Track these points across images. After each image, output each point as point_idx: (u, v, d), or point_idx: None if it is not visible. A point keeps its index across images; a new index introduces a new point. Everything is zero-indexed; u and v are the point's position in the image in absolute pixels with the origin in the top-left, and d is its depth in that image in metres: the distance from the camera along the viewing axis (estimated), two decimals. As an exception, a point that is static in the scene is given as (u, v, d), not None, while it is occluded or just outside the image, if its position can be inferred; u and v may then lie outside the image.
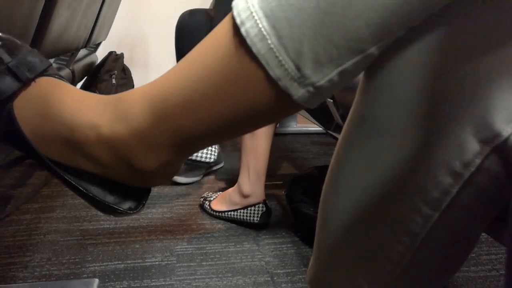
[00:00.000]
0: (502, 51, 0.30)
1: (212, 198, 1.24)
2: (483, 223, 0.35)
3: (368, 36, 0.29)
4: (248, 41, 0.29)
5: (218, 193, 1.26)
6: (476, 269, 1.00)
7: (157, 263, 0.98)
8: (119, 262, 0.97)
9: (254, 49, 0.29)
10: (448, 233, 0.35)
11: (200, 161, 1.02)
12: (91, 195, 0.38)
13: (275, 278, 0.94)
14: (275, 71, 0.29)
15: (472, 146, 0.31)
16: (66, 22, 0.81)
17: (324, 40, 0.28)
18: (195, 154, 0.96)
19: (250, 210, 1.15)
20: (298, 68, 0.29)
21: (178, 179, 1.41)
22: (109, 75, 1.83)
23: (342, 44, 0.29)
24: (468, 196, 0.33)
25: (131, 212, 0.40)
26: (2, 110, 0.36)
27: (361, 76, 0.36)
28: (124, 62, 1.99)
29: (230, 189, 1.21)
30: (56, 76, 0.38)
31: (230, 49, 0.30)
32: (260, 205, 1.14)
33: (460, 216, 0.34)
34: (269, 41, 0.28)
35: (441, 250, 0.37)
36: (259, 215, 1.14)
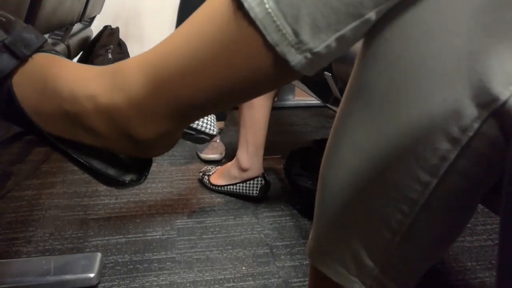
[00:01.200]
0: (499, 14, 0.30)
1: (211, 173, 1.25)
2: (481, 190, 0.36)
3: (366, 1, 0.28)
4: (246, 5, 0.29)
5: (217, 168, 1.27)
6: (472, 239, 1.02)
7: (158, 237, 0.99)
8: (121, 236, 0.99)
9: (251, 14, 0.29)
10: (447, 200, 0.36)
11: (204, 132, 1.02)
12: (94, 168, 0.39)
13: (274, 250, 0.96)
14: (272, 36, 0.29)
15: (470, 111, 0.31)
16: (59, -4, 0.80)
17: (322, 5, 0.28)
18: (202, 125, 0.97)
19: (249, 183, 1.16)
20: (296, 34, 0.29)
21: (202, 155, 1.46)
22: (105, 50, 1.80)
23: (340, 8, 0.28)
24: (466, 161, 0.33)
25: (134, 183, 0.40)
26: (2, 88, 0.36)
27: (359, 48, 0.36)
28: (120, 37, 1.96)
29: (229, 164, 1.22)
30: (53, 52, 0.38)
31: (227, 14, 0.30)
32: (259, 178, 1.16)
33: (458, 183, 0.34)
34: (267, 6, 0.28)
35: (440, 217, 0.37)
36: (258, 189, 1.15)
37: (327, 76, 0.92)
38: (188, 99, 0.34)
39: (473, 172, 0.33)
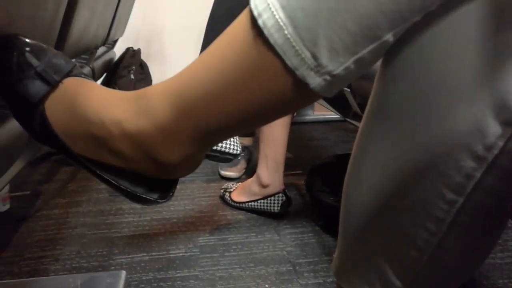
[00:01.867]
0: None
1: (232, 189, 1.26)
2: (510, 206, 0.35)
3: (382, 23, 0.29)
4: (265, 32, 0.29)
5: (238, 184, 1.27)
6: (503, 255, 0.98)
7: (180, 254, 1.00)
8: (144, 254, 1.00)
9: (271, 40, 0.29)
10: (475, 218, 0.35)
11: (228, 153, 1.03)
12: (121, 186, 0.40)
13: (297, 268, 0.95)
14: (292, 61, 0.30)
15: (494, 129, 0.31)
16: (86, 23, 0.83)
17: (339, 28, 0.29)
18: (221, 146, 0.98)
19: (270, 200, 1.16)
20: (315, 57, 0.29)
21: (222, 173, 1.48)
22: (127, 71, 1.85)
23: (357, 31, 0.29)
24: (492, 179, 0.32)
25: (160, 201, 0.41)
26: (35, 112, 0.38)
27: (378, 65, 0.36)
28: (141, 57, 2.01)
29: (249, 180, 1.22)
30: (82, 75, 0.40)
31: (248, 40, 0.31)
32: (280, 194, 1.15)
33: (485, 200, 0.34)
34: (286, 32, 0.29)
35: (468, 236, 0.37)
36: (279, 205, 1.15)
37: (346, 92, 0.92)
38: (211, 123, 0.35)
39: (501, 189, 0.33)
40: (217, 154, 0.97)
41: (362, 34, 0.29)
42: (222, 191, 1.28)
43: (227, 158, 0.99)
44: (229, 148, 0.97)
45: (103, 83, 1.86)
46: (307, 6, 0.28)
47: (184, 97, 0.34)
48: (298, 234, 1.09)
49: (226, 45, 0.33)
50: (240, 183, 1.27)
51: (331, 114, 2.03)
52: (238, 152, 0.99)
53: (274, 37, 0.29)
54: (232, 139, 1.00)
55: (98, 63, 1.41)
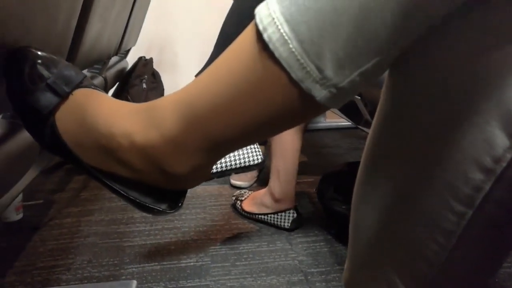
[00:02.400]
0: None
1: (243, 198, 1.25)
2: None
3: (386, 37, 0.29)
4: (271, 46, 0.30)
5: (250, 192, 1.27)
6: (519, 265, 0.96)
7: (192, 263, 1.00)
8: (155, 263, 1.00)
9: (276, 54, 0.30)
10: (485, 230, 0.35)
11: (250, 166, 1.03)
12: (130, 197, 0.40)
13: (309, 277, 0.94)
14: (297, 74, 0.30)
15: (501, 141, 0.30)
16: (98, 33, 0.84)
17: (343, 42, 0.29)
18: (243, 161, 0.99)
19: (281, 215, 1.15)
20: (320, 70, 0.29)
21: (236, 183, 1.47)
22: (140, 80, 1.87)
23: (361, 45, 0.29)
24: (502, 191, 0.32)
25: (169, 211, 0.41)
26: (46, 123, 0.38)
27: (386, 75, 0.36)
28: (154, 67, 2.03)
29: (262, 191, 1.21)
30: (92, 86, 0.40)
31: (254, 54, 0.31)
32: (291, 211, 1.15)
33: (495, 212, 0.33)
34: (291, 45, 0.29)
35: (479, 248, 0.36)
36: (290, 221, 1.14)
37: (356, 100, 0.91)
38: (220, 135, 0.35)
39: (510, 201, 0.32)
40: (241, 171, 0.98)
41: (367, 48, 0.29)
42: (233, 198, 1.28)
43: (250, 168, 0.99)
44: (251, 160, 0.97)
45: (116, 92, 1.88)
46: (311, 20, 0.29)
47: (192, 110, 0.34)
48: (310, 243, 1.08)
49: (233, 59, 0.33)
50: (252, 192, 1.27)
51: (343, 121, 2.01)
52: (261, 160, 0.98)
53: (279, 51, 0.30)
54: (251, 147, 1.00)
55: (110, 73, 1.43)
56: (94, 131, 0.38)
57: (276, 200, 1.15)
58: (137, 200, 0.40)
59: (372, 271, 0.42)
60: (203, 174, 0.39)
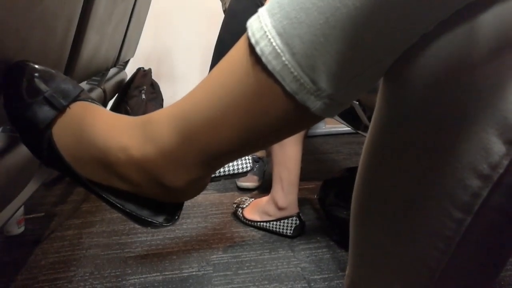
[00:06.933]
0: None
1: (245, 205, 1.25)
2: None
3: (379, 47, 0.29)
4: (264, 59, 0.30)
5: (251, 200, 1.26)
6: (523, 267, 0.95)
7: (194, 273, 0.99)
8: (158, 274, 0.99)
9: (269, 67, 0.30)
10: (484, 235, 0.34)
11: (238, 174, 1.04)
12: (127, 210, 0.40)
13: (312, 284, 0.93)
14: (291, 86, 0.30)
15: (498, 148, 0.30)
16: (96, 46, 0.85)
17: (336, 54, 0.28)
18: (232, 168, 1.00)
19: (283, 223, 1.14)
20: (314, 82, 0.29)
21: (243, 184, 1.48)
22: (139, 91, 1.88)
23: (354, 56, 0.29)
24: (499, 197, 0.32)
25: (166, 224, 0.41)
26: (43, 137, 0.38)
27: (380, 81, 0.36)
28: (152, 77, 2.04)
29: (264, 199, 1.21)
30: (89, 100, 0.41)
31: (246, 67, 0.31)
32: (294, 218, 1.14)
33: (494, 218, 0.33)
34: (284, 58, 0.29)
35: (480, 253, 0.36)
36: (292, 228, 1.14)
37: (355, 105, 0.92)
38: (215, 147, 0.35)
39: (508, 207, 0.33)
40: (229, 178, 0.98)
41: (360, 58, 0.29)
42: (234, 206, 1.28)
43: (238, 175, 0.99)
44: (239, 168, 0.98)
45: (115, 104, 1.89)
46: (303, 33, 0.28)
47: (187, 123, 0.34)
48: (312, 250, 1.08)
49: (226, 72, 0.33)
50: (253, 199, 1.26)
51: (343, 127, 2.02)
52: (249, 168, 0.99)
53: (272, 64, 0.29)
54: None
55: (109, 84, 1.43)
56: (91, 145, 0.38)
57: (280, 209, 1.15)
58: (134, 213, 0.40)
59: (372, 278, 0.41)
60: (200, 186, 0.40)
